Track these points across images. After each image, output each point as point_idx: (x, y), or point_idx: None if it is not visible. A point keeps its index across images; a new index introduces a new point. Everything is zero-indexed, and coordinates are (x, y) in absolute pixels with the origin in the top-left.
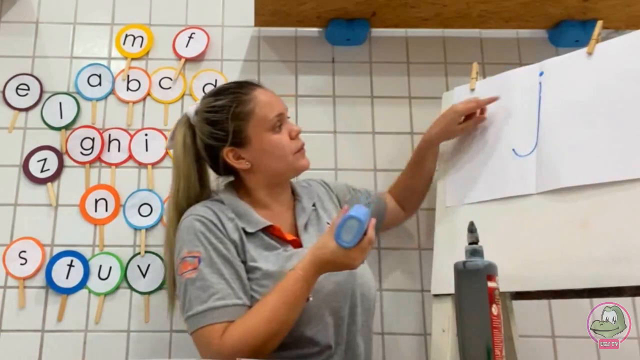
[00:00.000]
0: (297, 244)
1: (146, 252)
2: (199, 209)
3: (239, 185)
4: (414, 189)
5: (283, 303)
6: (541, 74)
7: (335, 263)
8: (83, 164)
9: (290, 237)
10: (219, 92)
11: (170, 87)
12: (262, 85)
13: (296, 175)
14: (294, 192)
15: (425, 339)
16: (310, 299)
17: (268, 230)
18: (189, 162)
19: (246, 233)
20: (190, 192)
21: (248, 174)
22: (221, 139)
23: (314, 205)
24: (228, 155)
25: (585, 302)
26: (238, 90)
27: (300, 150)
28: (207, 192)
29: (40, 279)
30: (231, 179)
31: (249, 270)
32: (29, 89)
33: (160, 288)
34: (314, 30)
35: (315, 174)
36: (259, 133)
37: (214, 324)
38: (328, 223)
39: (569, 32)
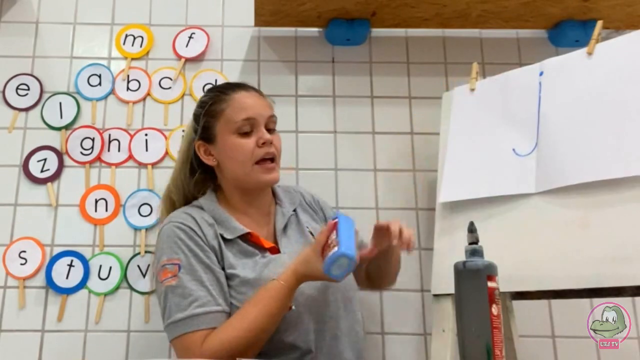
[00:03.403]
0: (276, 250)
1: (146, 252)
2: (179, 215)
3: (218, 190)
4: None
5: (265, 312)
6: (541, 74)
7: (317, 279)
8: (83, 164)
9: (268, 244)
10: (210, 89)
11: (170, 87)
12: (251, 89)
13: (260, 187)
14: (275, 197)
15: (425, 339)
16: (293, 308)
17: (246, 237)
18: (184, 149)
19: (224, 240)
20: (181, 177)
21: (220, 175)
22: (195, 132)
23: (294, 210)
24: (199, 148)
25: (585, 302)
26: (222, 89)
27: (265, 161)
28: (201, 190)
29: (40, 279)
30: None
31: (228, 277)
32: (29, 89)
33: None
34: (314, 30)
35: (315, 174)
36: (224, 133)
37: (195, 331)
38: (308, 229)
39: (569, 32)
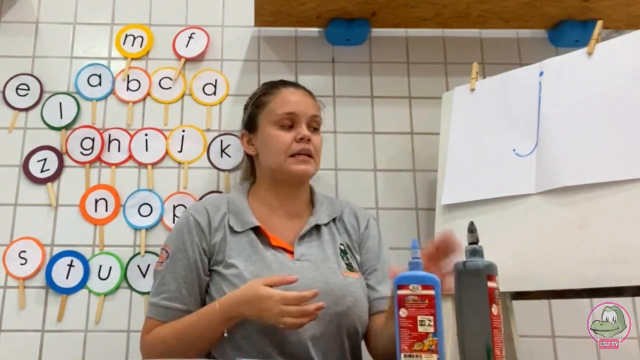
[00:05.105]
0: (286, 250)
1: (146, 252)
2: (196, 207)
3: (253, 178)
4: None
5: (194, 329)
6: (541, 74)
7: (254, 309)
8: (83, 164)
9: (277, 242)
10: (263, 84)
11: (170, 87)
12: (301, 88)
13: (292, 179)
14: (313, 205)
15: None
16: (225, 334)
17: (258, 230)
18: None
19: (233, 231)
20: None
21: (257, 165)
22: (242, 122)
23: (327, 223)
24: (243, 137)
25: (585, 302)
26: (273, 83)
27: (300, 155)
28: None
29: (40, 279)
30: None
31: (227, 266)
32: (29, 89)
33: None
34: (314, 30)
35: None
36: (265, 124)
37: (152, 318)
38: (341, 245)
39: (569, 32)
